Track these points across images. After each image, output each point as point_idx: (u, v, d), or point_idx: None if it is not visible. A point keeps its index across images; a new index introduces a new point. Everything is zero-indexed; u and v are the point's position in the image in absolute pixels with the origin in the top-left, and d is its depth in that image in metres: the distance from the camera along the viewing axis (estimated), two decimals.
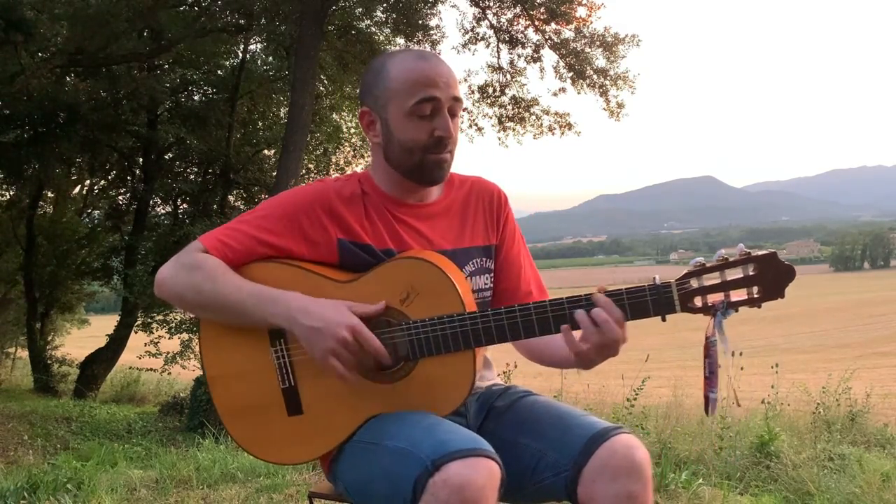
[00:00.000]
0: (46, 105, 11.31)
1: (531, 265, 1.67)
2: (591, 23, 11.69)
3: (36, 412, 10.44)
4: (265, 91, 13.97)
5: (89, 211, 17.56)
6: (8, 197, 15.61)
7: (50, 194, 16.30)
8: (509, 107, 12.93)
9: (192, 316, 10.61)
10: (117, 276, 15.41)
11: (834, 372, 6.41)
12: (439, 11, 12.28)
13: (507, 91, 12.81)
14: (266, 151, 14.29)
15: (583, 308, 1.36)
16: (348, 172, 2.18)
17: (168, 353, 12.67)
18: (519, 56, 12.44)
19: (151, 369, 13.24)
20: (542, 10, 11.58)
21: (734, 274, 1.33)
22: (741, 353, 4.36)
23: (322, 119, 13.60)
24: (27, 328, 15.64)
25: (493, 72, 12.67)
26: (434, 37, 12.10)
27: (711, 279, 1.33)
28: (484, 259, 1.59)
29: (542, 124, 12.89)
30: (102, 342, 14.28)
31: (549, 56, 12.60)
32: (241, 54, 13.77)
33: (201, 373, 7.65)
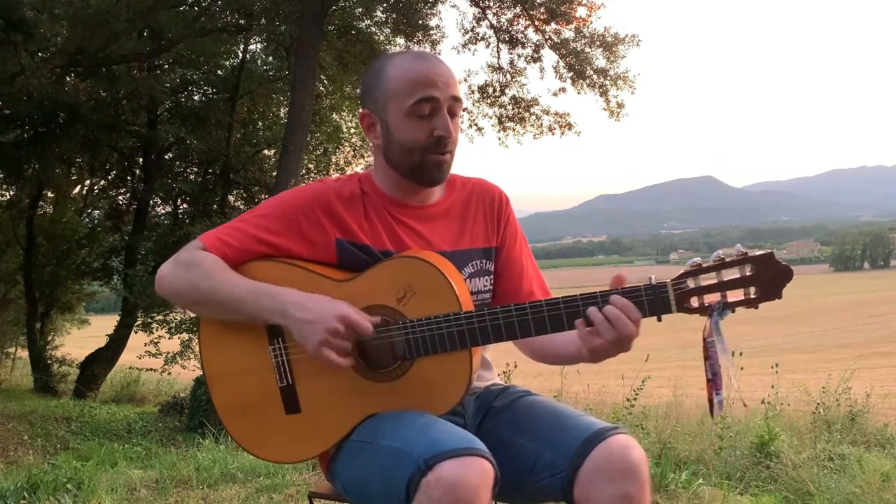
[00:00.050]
0: (46, 105, 11.32)
1: (534, 266, 1.67)
2: (591, 23, 11.71)
3: (36, 412, 10.44)
4: (265, 91, 13.98)
5: (89, 211, 17.56)
6: (8, 197, 15.61)
7: (50, 194, 16.30)
8: (509, 107, 12.94)
9: (192, 315, 10.65)
10: (117, 276, 15.42)
11: (834, 372, 6.41)
12: (439, 11, 12.30)
13: (507, 91, 12.82)
14: (266, 151, 14.29)
15: (580, 309, 1.36)
16: (348, 172, 2.19)
17: (168, 353, 12.68)
18: (519, 56, 12.46)
19: (151, 369, 13.25)
20: (542, 10, 11.58)
21: (731, 274, 1.33)
22: (741, 353, 4.36)
23: (322, 119, 13.60)
24: (27, 328, 15.65)
25: (493, 72, 12.69)
26: (434, 37, 12.12)
27: (708, 279, 1.33)
28: (483, 261, 1.59)
29: (542, 124, 12.91)
30: (102, 342, 14.29)
31: (549, 56, 12.63)
32: (241, 54, 13.78)
33: (201, 373, 7.65)
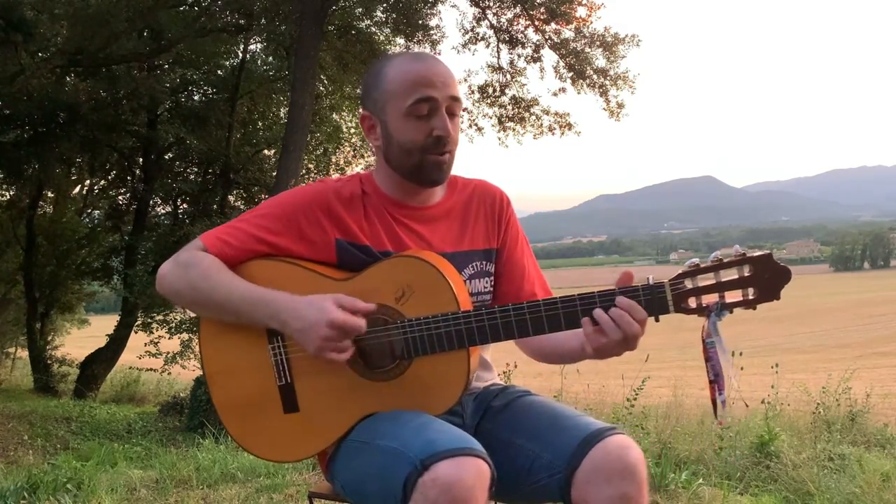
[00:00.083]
0: (46, 105, 11.33)
1: (535, 268, 1.67)
2: (591, 23, 11.71)
3: (36, 412, 10.44)
4: (265, 91, 13.98)
5: (89, 211, 17.57)
6: (8, 197, 15.61)
7: (50, 194, 16.30)
8: (509, 107, 12.94)
9: (192, 315, 10.65)
10: (117, 276, 15.42)
11: (834, 372, 6.41)
12: (439, 11, 12.30)
13: (507, 91, 12.82)
14: (266, 151, 14.29)
15: (577, 309, 1.36)
16: (348, 172, 2.19)
17: (168, 353, 12.69)
18: (519, 56, 12.46)
19: (151, 369, 13.25)
20: (542, 10, 11.58)
21: (729, 275, 1.32)
22: (741, 353, 4.36)
23: (322, 119, 13.60)
24: (27, 328, 15.65)
25: (493, 72, 12.69)
26: (434, 37, 12.12)
27: (706, 280, 1.33)
28: (484, 262, 1.59)
29: (542, 124, 12.91)
30: (102, 342, 14.28)
31: (549, 56, 12.62)
32: (241, 54, 13.77)
33: (201, 373, 7.65)
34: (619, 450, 1.34)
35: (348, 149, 15.21)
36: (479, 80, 13.11)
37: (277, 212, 1.51)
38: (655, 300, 1.34)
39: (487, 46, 12.48)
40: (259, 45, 13.63)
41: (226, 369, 1.52)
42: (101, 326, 16.29)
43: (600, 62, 11.96)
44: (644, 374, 5.06)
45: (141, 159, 14.76)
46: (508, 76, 12.67)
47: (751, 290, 1.32)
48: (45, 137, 12.21)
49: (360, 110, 1.57)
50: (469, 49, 12.39)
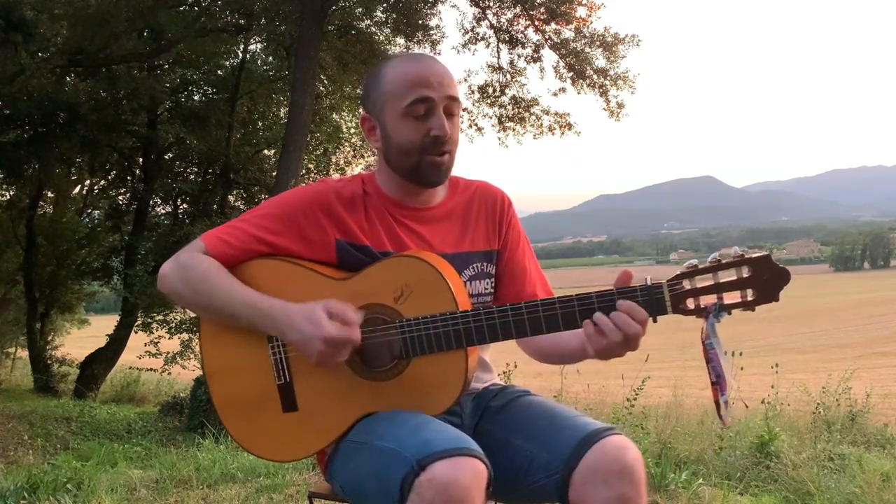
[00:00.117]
0: (46, 105, 11.32)
1: (537, 269, 1.67)
2: (591, 23, 11.71)
3: (36, 412, 10.44)
4: (265, 91, 13.98)
5: (89, 211, 17.56)
6: (8, 197, 15.61)
7: (50, 194, 16.30)
8: (509, 107, 12.94)
9: (192, 315, 10.65)
10: (117, 276, 15.41)
11: (834, 372, 6.41)
12: (439, 11, 12.29)
13: (507, 91, 12.82)
14: (266, 151, 14.29)
15: (575, 309, 1.36)
16: (348, 172, 2.19)
17: (168, 353, 12.69)
18: (519, 56, 12.46)
19: (151, 369, 13.25)
20: (542, 10, 11.58)
21: (728, 276, 1.32)
22: (741, 354, 4.36)
23: (322, 119, 13.60)
24: (27, 328, 15.65)
25: (493, 72, 12.69)
26: (434, 37, 12.12)
27: (704, 281, 1.33)
28: (484, 264, 1.59)
29: (542, 124, 12.91)
30: (102, 342, 14.28)
31: (549, 56, 12.62)
32: (241, 54, 13.77)
33: (201, 373, 7.65)
34: (616, 450, 1.34)
35: (348, 149, 15.22)
36: (479, 80, 13.12)
37: (278, 212, 1.51)
38: (653, 301, 1.33)
39: (487, 46, 12.50)
40: (259, 45, 13.65)
41: (226, 368, 1.53)
42: (101, 326, 16.29)
43: (600, 62, 11.98)
44: (644, 374, 5.05)
45: (141, 159, 14.76)
46: (508, 76, 12.68)
47: (749, 292, 1.32)
48: (45, 137, 12.20)
49: (361, 112, 1.57)
50: (469, 49, 12.41)
